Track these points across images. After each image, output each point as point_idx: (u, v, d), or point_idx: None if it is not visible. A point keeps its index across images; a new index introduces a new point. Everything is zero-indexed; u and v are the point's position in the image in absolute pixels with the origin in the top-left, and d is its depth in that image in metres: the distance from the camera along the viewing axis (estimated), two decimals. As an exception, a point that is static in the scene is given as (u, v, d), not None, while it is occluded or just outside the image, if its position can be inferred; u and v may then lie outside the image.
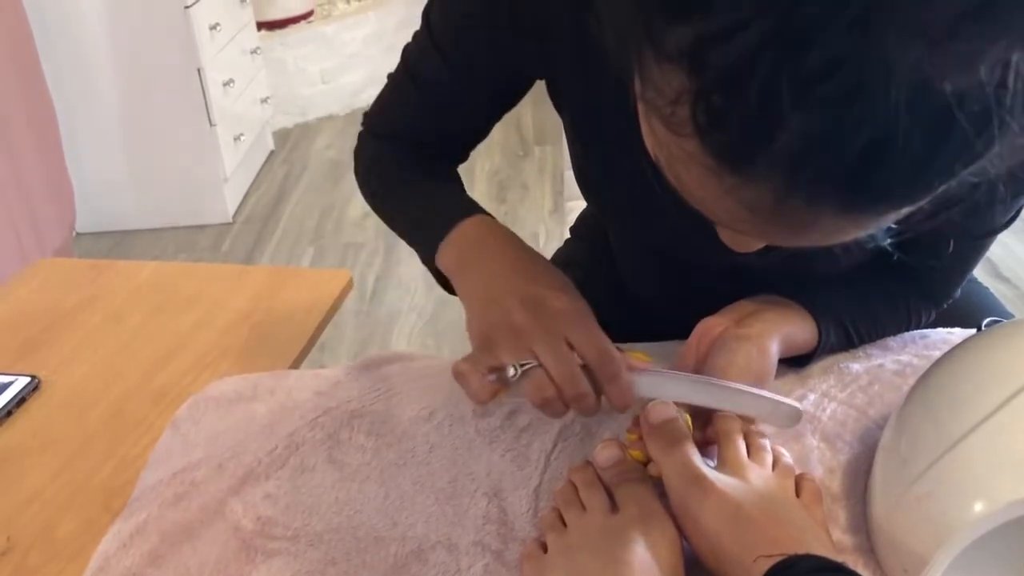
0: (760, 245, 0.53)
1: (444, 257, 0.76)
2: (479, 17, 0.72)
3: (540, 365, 0.63)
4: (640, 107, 0.46)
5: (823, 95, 0.36)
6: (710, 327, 0.75)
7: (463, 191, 0.85)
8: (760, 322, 0.74)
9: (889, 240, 0.49)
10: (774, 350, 0.73)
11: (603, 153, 0.79)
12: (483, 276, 0.71)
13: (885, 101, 0.35)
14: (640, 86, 0.44)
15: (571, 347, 0.64)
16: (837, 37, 0.35)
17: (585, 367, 0.64)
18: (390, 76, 0.84)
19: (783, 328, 0.75)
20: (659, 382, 0.66)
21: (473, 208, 0.79)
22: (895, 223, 0.45)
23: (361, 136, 0.90)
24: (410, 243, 0.83)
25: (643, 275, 0.98)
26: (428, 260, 0.79)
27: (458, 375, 0.66)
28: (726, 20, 0.36)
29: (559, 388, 0.63)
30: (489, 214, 0.79)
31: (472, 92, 0.80)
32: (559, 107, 0.79)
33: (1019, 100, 0.36)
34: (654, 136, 0.46)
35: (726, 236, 0.53)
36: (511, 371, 0.63)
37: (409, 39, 0.81)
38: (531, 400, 0.64)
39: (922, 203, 0.42)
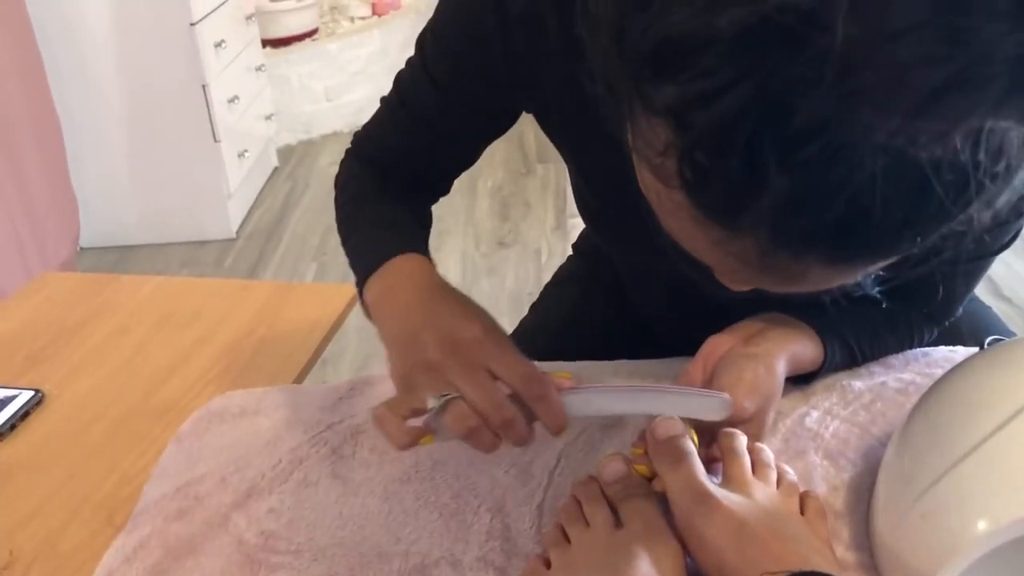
0: (755, 285, 0.53)
1: (368, 293, 0.76)
2: (472, 51, 0.73)
3: (461, 397, 0.61)
4: (633, 155, 0.47)
5: (804, 158, 0.36)
6: (717, 345, 0.75)
7: (417, 228, 0.85)
8: (767, 341, 0.74)
9: (877, 289, 0.50)
10: (781, 368, 0.73)
11: (601, 186, 0.79)
12: (398, 315, 0.71)
13: (862, 168, 0.36)
14: (631, 136, 0.45)
15: (495, 377, 0.62)
16: (816, 103, 0.35)
17: (513, 396, 0.62)
18: (383, 100, 0.85)
19: (790, 347, 0.75)
20: (589, 398, 0.65)
21: (410, 247, 0.77)
22: (884, 270, 0.46)
23: (347, 154, 0.90)
24: (352, 270, 0.82)
25: (646, 295, 0.98)
26: (359, 293, 0.78)
27: (376, 420, 0.64)
28: (710, 81, 0.37)
29: (484, 417, 0.61)
30: (424, 254, 0.78)
31: (462, 121, 0.80)
32: (553, 140, 0.80)
33: (993, 165, 0.37)
34: (644, 185, 0.47)
35: (722, 276, 0.54)
36: (431, 403, 0.61)
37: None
38: (456, 433, 0.62)
39: (909, 253, 0.43)
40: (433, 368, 0.63)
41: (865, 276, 0.46)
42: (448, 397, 0.61)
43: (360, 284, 0.77)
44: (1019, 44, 0.34)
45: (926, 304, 0.79)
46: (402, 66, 0.82)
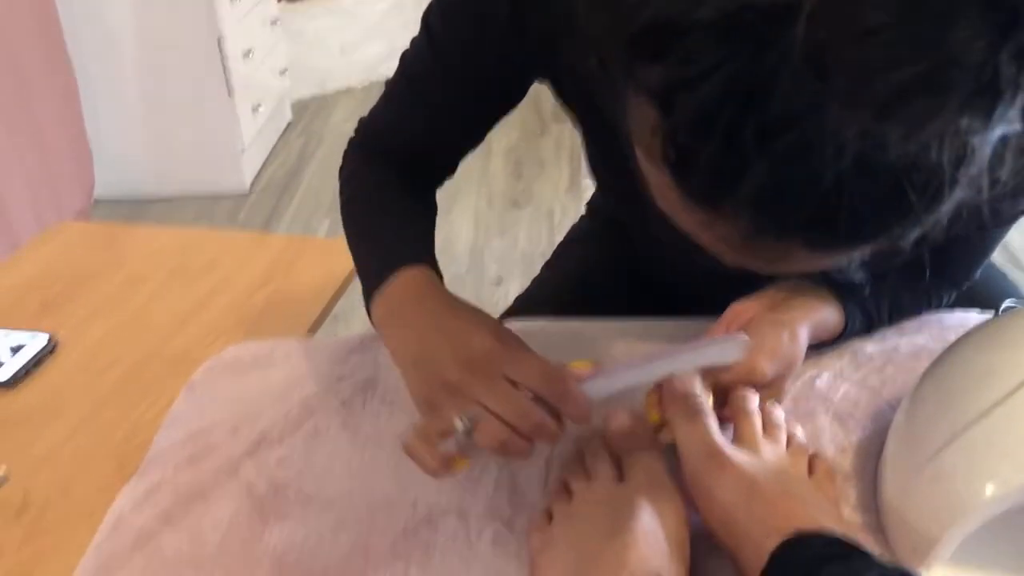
0: (742, 266, 0.53)
1: (375, 311, 0.74)
2: (484, 20, 0.71)
3: (489, 411, 0.61)
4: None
5: (781, 147, 0.37)
6: (742, 310, 0.75)
7: (421, 229, 0.83)
8: (793, 308, 0.74)
9: (860, 275, 0.50)
10: (804, 336, 0.73)
11: (612, 155, 0.78)
12: (410, 336, 0.70)
13: (835, 163, 0.36)
14: (624, 114, 0.45)
15: (514, 383, 0.62)
16: (790, 97, 0.36)
17: (536, 397, 0.62)
18: (388, 83, 0.83)
19: (815, 315, 0.75)
20: (610, 381, 0.64)
21: (413, 256, 0.76)
22: (870, 257, 0.46)
23: (351, 143, 0.88)
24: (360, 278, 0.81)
25: (655, 257, 0.98)
26: (366, 305, 0.77)
27: (408, 450, 0.63)
28: (692, 66, 0.37)
29: (515, 427, 0.60)
30: (426, 261, 0.76)
31: (471, 96, 0.79)
32: (565, 107, 0.79)
33: (960, 167, 0.37)
34: (638, 162, 0.47)
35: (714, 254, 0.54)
36: (459, 425, 0.60)
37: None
38: (489, 450, 0.61)
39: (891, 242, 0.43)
40: (454, 388, 0.62)
41: (850, 261, 0.46)
42: (474, 415, 0.61)
43: (367, 297, 0.76)
44: (983, 49, 0.34)
45: (944, 268, 0.78)
46: (416, 21, 0.80)
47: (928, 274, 0.82)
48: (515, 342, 0.66)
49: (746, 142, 0.37)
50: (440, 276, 0.77)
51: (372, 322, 0.75)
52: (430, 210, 0.87)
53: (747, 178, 0.38)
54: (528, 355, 0.64)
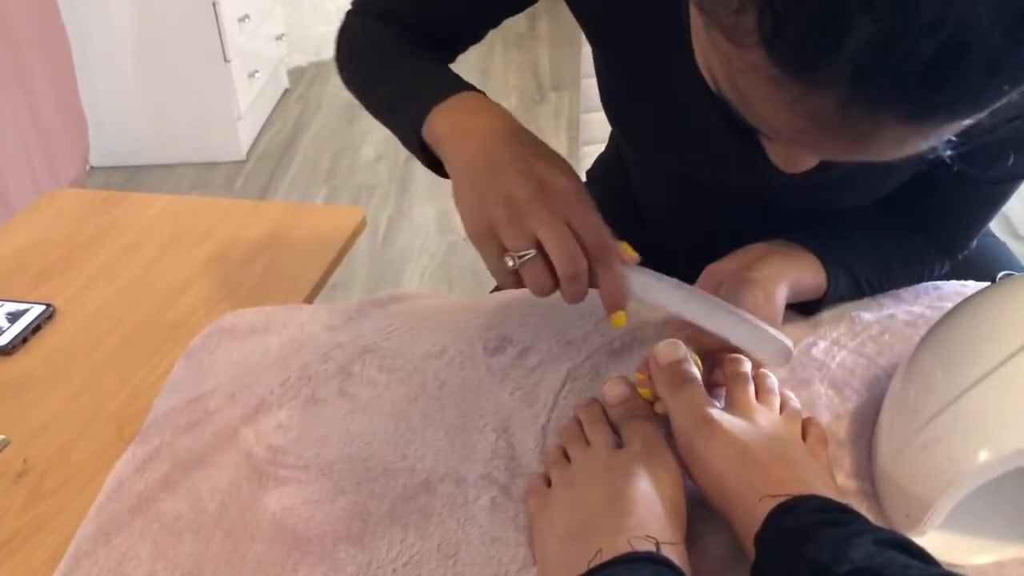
0: (813, 163, 0.51)
1: (434, 125, 0.70)
2: None
3: (538, 253, 0.62)
4: (698, 23, 0.46)
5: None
6: (716, 271, 0.75)
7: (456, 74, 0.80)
8: (768, 267, 0.74)
9: (949, 153, 0.47)
10: (781, 295, 0.73)
11: (632, 78, 0.77)
12: (480, 144, 0.66)
13: (961, 8, 0.34)
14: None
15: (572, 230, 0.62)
16: None
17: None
18: None
19: (791, 273, 0.74)
20: (650, 283, 0.64)
21: (469, 86, 0.73)
22: (956, 136, 0.44)
23: (349, 15, 0.85)
24: (389, 120, 0.77)
25: (662, 206, 0.97)
26: (413, 133, 0.72)
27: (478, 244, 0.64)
28: None
29: (558, 265, 0.62)
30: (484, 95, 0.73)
31: None
32: (588, 28, 0.77)
33: None
34: (714, 50, 0.45)
35: (779, 154, 0.52)
36: (509, 263, 0.62)
37: None
38: (531, 289, 0.63)
39: (985, 113, 0.41)
40: (517, 208, 0.62)
41: (939, 142, 0.44)
42: (526, 257, 0.62)
43: (417, 121, 0.71)
44: None
45: (995, 170, 0.77)
46: None
47: (924, 240, 0.82)
48: (586, 194, 0.65)
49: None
50: None
51: (427, 140, 0.71)
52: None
53: (850, 35, 0.36)
54: (593, 210, 0.64)
